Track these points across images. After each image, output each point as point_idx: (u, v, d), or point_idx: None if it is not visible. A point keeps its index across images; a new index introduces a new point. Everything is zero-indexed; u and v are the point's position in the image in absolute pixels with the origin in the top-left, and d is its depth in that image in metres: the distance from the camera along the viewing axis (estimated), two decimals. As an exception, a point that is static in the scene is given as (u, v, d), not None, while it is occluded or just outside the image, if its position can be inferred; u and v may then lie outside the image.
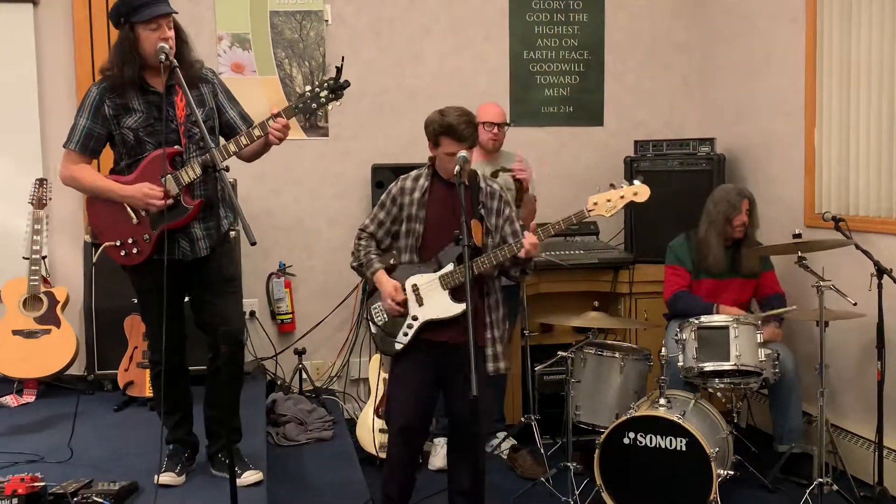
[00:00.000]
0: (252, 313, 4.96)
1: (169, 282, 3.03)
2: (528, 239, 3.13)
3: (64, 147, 3.15)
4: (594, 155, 5.29)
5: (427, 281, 3.18)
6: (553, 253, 4.64)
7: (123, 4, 3.04)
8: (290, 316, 5.03)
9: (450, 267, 3.15)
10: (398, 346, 3.19)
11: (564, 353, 3.82)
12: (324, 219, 5.11)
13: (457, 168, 3.04)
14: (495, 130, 4.27)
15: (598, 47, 5.31)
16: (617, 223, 5.09)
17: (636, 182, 3.14)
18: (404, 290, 3.19)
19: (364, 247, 3.29)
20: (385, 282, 3.20)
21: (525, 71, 5.25)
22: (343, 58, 3.19)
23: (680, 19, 5.38)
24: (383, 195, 3.30)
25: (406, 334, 3.19)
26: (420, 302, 3.19)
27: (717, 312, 3.94)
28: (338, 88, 3.11)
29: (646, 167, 4.89)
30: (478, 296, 3.19)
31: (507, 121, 4.39)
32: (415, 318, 3.18)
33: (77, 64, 4.67)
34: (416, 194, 3.21)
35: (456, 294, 3.15)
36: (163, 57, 2.97)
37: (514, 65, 5.23)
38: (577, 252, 4.76)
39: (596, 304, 3.99)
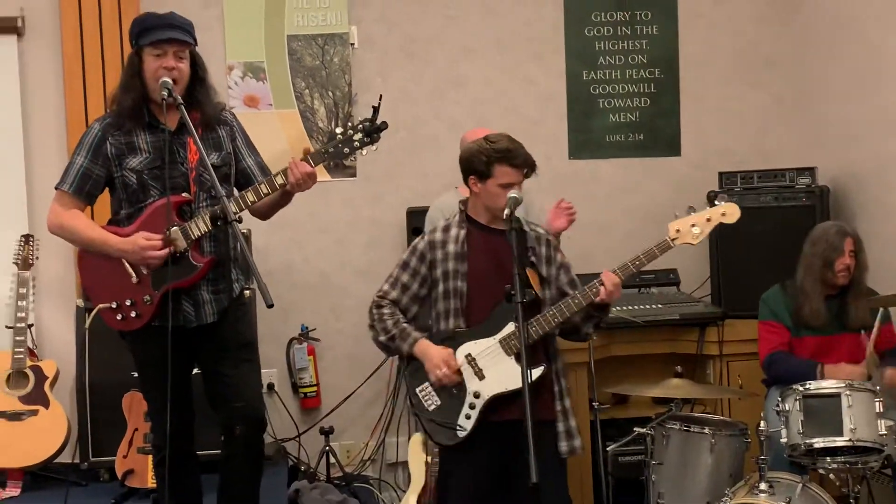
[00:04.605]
0: (270, 386, 5.01)
1: (173, 351, 3.10)
2: (608, 278, 3.09)
3: (56, 188, 3.25)
4: (671, 190, 5.27)
5: (485, 348, 3.13)
6: (625, 308, 4.62)
7: (136, 23, 3.21)
8: (315, 389, 5.06)
9: (511, 327, 3.10)
10: (462, 434, 3.11)
11: (643, 430, 3.79)
12: (353, 273, 5.16)
13: (507, 211, 3.07)
14: None
15: (671, 64, 5.34)
16: (702, 271, 5.07)
17: (721, 202, 3.15)
18: None
19: (390, 315, 3.24)
20: (432, 350, 3.15)
21: (585, 94, 5.29)
22: (381, 96, 3.26)
23: (768, 28, 5.39)
24: (405, 254, 3.30)
25: (469, 417, 3.11)
26: (480, 375, 3.12)
27: (822, 375, 3.88)
28: (374, 131, 3.18)
29: (728, 202, 4.86)
30: (544, 358, 3.17)
31: None
32: (477, 396, 3.12)
33: (67, 103, 4.82)
34: (452, 247, 3.21)
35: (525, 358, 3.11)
36: (164, 93, 3.08)
37: (573, 87, 5.29)
38: (654, 306, 4.73)
39: (679, 369, 3.96)
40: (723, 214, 3.15)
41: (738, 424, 3.86)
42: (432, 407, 3.19)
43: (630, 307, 4.66)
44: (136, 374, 3.54)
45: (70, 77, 4.81)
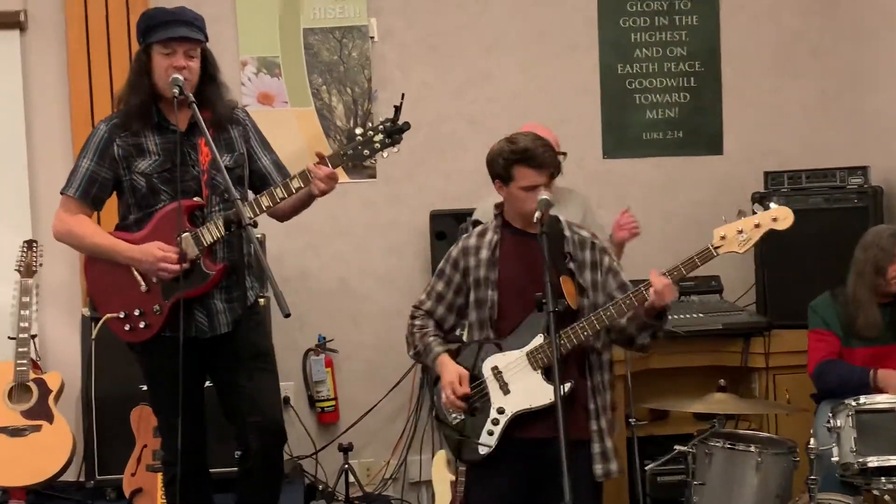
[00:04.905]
0: (286, 400, 5.00)
1: (185, 363, 3.12)
2: (657, 280, 3.03)
3: (61, 193, 3.30)
4: (712, 191, 5.26)
5: (511, 360, 3.14)
6: (664, 317, 4.60)
7: (143, 19, 3.23)
8: (333, 403, 5.08)
9: (539, 339, 3.11)
10: (483, 451, 3.13)
11: (683, 448, 3.77)
12: (373, 280, 5.19)
13: (537, 214, 3.04)
14: None
15: (712, 56, 5.34)
16: (746, 277, 5.05)
17: (773, 205, 3.08)
18: (477, 376, 3.16)
19: (419, 328, 3.28)
20: (447, 371, 3.16)
21: (620, 89, 5.29)
22: (403, 95, 3.28)
23: (815, 17, 5.36)
24: (441, 262, 3.33)
25: (492, 433, 3.12)
26: (505, 389, 3.13)
27: (875, 382, 3.85)
28: (396, 132, 3.20)
29: (780, 205, 4.83)
30: (577, 374, 3.16)
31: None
32: (500, 411, 3.13)
33: (72, 101, 4.87)
34: (484, 253, 3.22)
35: (552, 373, 3.04)
36: (176, 90, 3.11)
37: (607, 81, 5.29)
38: (695, 316, 4.73)
39: (722, 382, 3.94)
40: (774, 220, 3.06)
41: (786, 442, 3.82)
42: (456, 420, 3.21)
43: (669, 317, 4.62)
44: (145, 388, 3.57)
45: (75, 74, 4.85)
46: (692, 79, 5.33)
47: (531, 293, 3.00)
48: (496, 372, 3.15)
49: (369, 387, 5.10)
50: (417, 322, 3.29)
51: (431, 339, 3.25)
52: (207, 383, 3.44)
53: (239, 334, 3.28)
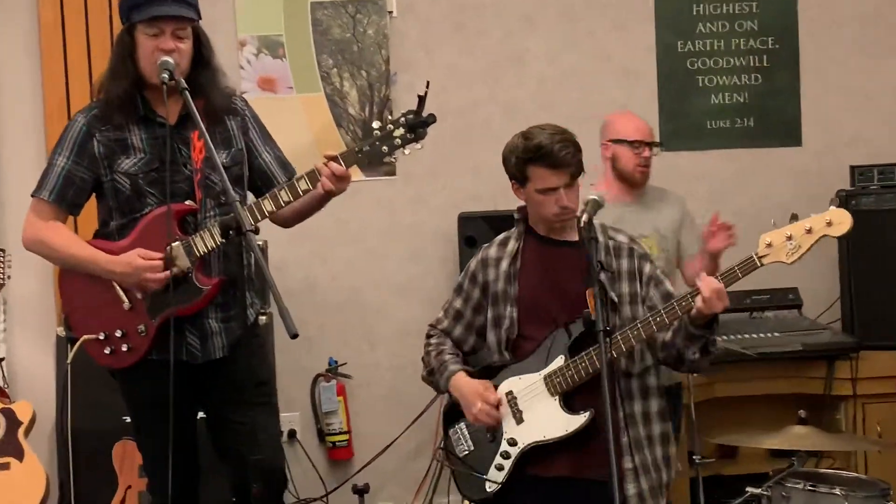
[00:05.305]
0: (292, 433, 5.05)
1: (175, 392, 3.13)
2: (707, 283, 2.98)
3: (32, 196, 3.32)
4: (789, 188, 5.25)
5: (527, 385, 3.16)
6: (732, 337, 4.59)
7: None
8: (346, 437, 5.10)
9: (559, 361, 3.13)
10: (490, 488, 3.17)
11: (756, 490, 3.77)
12: (391, 292, 5.21)
13: (584, 217, 3.03)
14: (646, 152, 4.23)
15: (788, 30, 5.32)
16: (830, 290, 5.04)
17: (831, 207, 3.06)
18: None
19: (435, 346, 3.33)
20: (466, 384, 3.21)
21: (681, 69, 5.29)
22: (428, 83, 3.28)
23: (911, -17, 5.36)
24: (460, 275, 3.38)
25: (501, 468, 3.16)
26: (518, 418, 3.16)
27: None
28: (419, 125, 3.21)
29: (869, 204, 4.83)
30: (602, 402, 3.15)
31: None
32: (512, 443, 3.16)
33: (45, 89, 4.90)
34: (504, 264, 3.25)
35: (571, 400, 3.11)
36: (165, 76, 3.12)
37: (664, 61, 5.29)
38: (770, 335, 4.71)
39: (802, 413, 3.93)
40: (828, 224, 3.00)
41: (877, 483, 3.81)
42: (464, 453, 3.26)
43: (739, 336, 4.65)
44: (128, 420, 3.57)
45: (48, 56, 4.87)
46: (765, 58, 5.32)
47: (555, 309, 3.08)
48: (510, 397, 3.18)
49: (388, 418, 5.11)
50: (433, 340, 3.36)
51: (448, 356, 3.29)
52: (200, 414, 3.46)
53: (236, 361, 3.29)
